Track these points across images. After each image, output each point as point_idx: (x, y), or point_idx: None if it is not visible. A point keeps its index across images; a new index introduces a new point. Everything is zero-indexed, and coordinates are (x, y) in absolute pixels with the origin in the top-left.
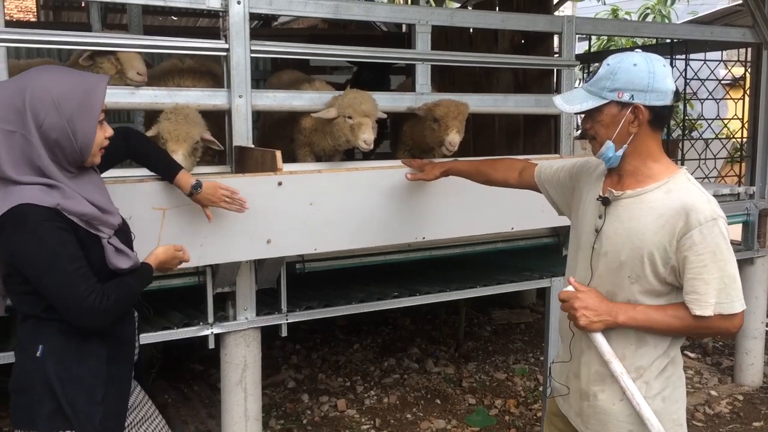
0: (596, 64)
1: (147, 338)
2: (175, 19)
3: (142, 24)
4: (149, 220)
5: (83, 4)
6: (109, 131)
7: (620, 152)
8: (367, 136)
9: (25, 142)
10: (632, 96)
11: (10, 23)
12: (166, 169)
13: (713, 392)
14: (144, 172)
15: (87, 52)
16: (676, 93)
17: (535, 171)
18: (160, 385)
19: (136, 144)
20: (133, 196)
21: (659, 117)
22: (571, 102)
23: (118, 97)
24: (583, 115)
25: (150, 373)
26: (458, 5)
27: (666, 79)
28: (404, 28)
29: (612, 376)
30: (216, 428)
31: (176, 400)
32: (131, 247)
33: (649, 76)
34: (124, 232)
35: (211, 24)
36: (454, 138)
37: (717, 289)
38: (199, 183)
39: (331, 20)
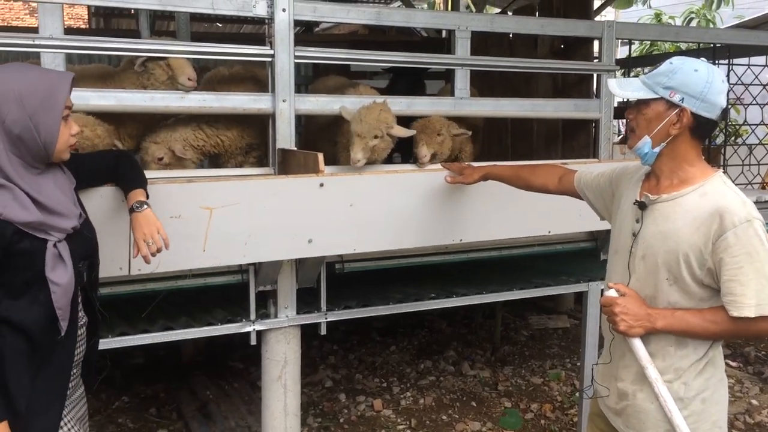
0: (638, 69)
1: (191, 333)
2: (220, 25)
3: (189, 30)
4: (197, 219)
5: (132, 12)
6: (75, 128)
7: (657, 150)
8: (353, 155)
9: None
10: (683, 99)
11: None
12: (128, 185)
13: (754, 401)
14: (191, 173)
15: (142, 58)
16: (725, 111)
17: (575, 177)
18: (201, 381)
19: (119, 166)
20: (181, 195)
21: (702, 128)
22: (624, 88)
23: (168, 101)
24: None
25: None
26: (498, 11)
27: (720, 95)
28: (444, 34)
29: None
30: (255, 424)
31: (217, 396)
32: (89, 255)
33: (706, 85)
34: (83, 239)
35: (255, 30)
36: (421, 150)
37: (755, 290)
38: (142, 204)
39: (371, 26)
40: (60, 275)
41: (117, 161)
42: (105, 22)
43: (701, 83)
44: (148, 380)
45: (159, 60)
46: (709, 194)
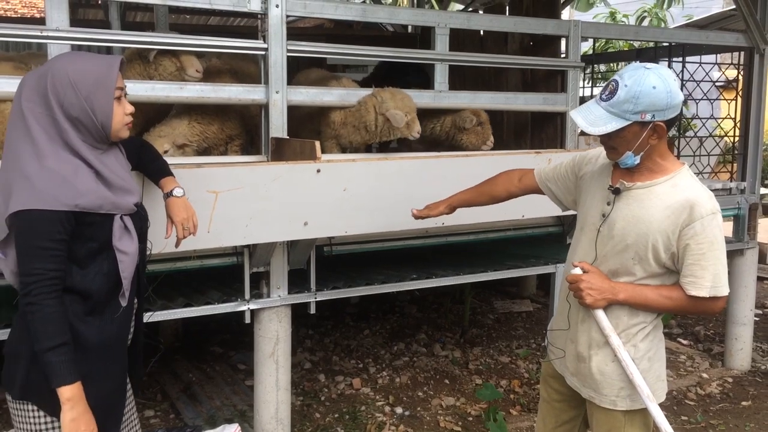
0: (599, 66)
1: (191, 312)
2: (188, 17)
3: (167, 23)
4: (203, 202)
5: (99, 2)
6: (129, 108)
7: (638, 158)
8: (418, 128)
9: (54, 121)
10: (653, 116)
11: (18, 20)
12: (158, 172)
13: (704, 375)
14: (200, 159)
15: (155, 50)
16: (684, 101)
17: (534, 174)
18: (183, 365)
19: (143, 153)
20: (191, 180)
21: (671, 125)
22: (594, 124)
23: (168, 91)
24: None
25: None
26: (461, 7)
27: (678, 94)
28: (410, 29)
29: (605, 341)
30: (240, 403)
31: (200, 378)
32: (143, 238)
33: (668, 95)
34: (141, 219)
35: (222, 22)
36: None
37: (712, 274)
38: (181, 191)
39: (337, 20)
40: (127, 244)
41: (142, 149)
42: (72, 12)
43: (664, 96)
44: None
45: (169, 54)
46: (680, 186)
